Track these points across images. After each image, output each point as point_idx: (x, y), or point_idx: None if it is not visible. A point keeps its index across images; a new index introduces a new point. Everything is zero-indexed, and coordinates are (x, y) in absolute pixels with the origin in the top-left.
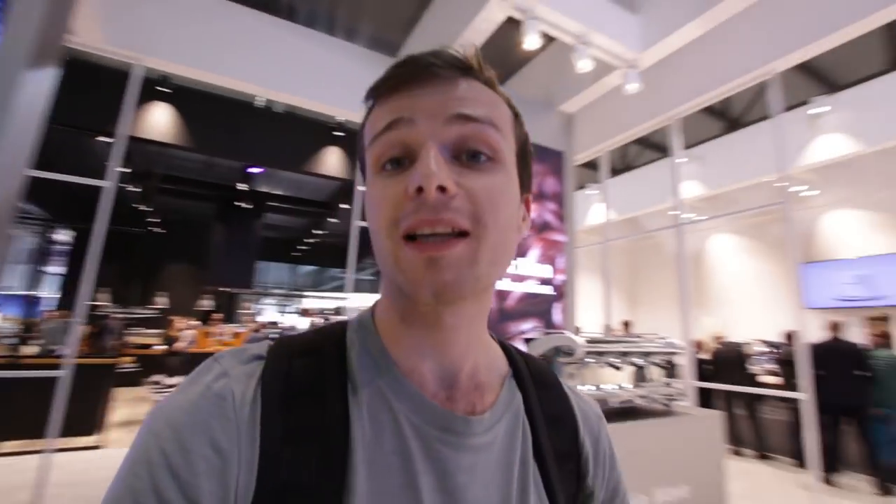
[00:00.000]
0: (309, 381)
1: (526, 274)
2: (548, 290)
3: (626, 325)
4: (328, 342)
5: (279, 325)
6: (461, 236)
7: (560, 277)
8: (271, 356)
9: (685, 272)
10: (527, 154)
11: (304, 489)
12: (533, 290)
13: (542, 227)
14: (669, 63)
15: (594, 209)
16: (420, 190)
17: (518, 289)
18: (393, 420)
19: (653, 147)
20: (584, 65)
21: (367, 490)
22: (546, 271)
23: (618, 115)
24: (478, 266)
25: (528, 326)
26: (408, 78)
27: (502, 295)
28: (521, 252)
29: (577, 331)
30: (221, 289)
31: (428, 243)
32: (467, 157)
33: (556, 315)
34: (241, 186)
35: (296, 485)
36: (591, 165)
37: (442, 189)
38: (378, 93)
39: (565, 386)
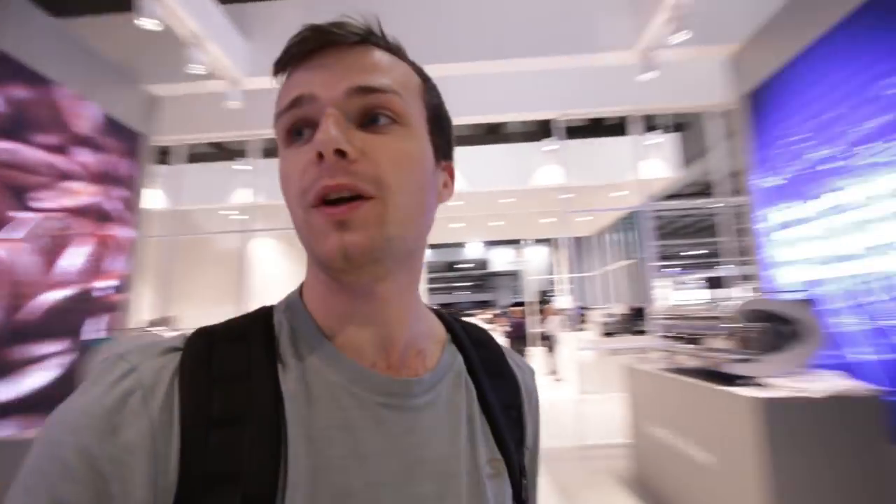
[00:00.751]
0: (234, 366)
1: (61, 278)
2: (101, 293)
3: (167, 320)
4: (253, 326)
5: None
6: (366, 199)
7: (111, 283)
8: (189, 346)
9: (242, 273)
10: (441, 119)
11: (235, 474)
12: (67, 296)
13: (100, 217)
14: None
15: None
16: (321, 156)
17: (47, 298)
18: (331, 394)
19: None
20: (194, 68)
21: (309, 466)
22: (99, 272)
23: (208, 114)
24: (387, 227)
25: (52, 349)
26: (308, 50)
27: (14, 305)
28: (63, 248)
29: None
30: None
31: (334, 208)
32: (370, 121)
33: (94, 327)
34: None
35: (225, 471)
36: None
37: (342, 153)
38: (280, 67)
39: (501, 346)
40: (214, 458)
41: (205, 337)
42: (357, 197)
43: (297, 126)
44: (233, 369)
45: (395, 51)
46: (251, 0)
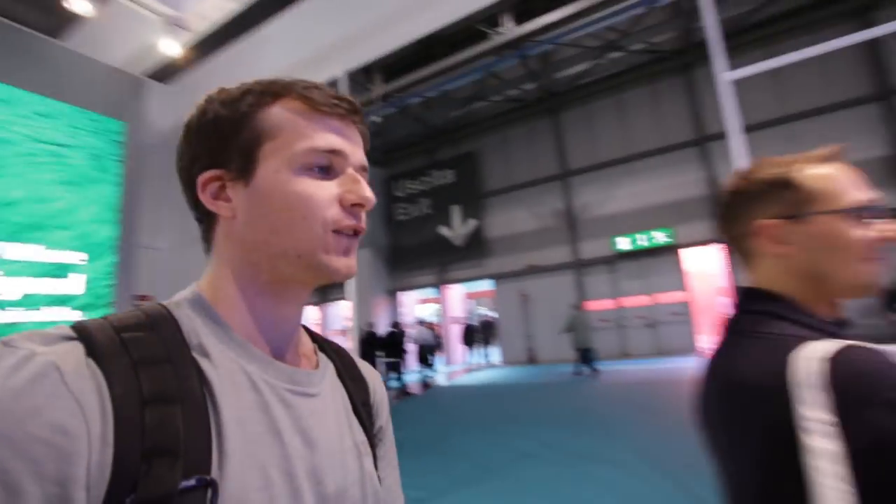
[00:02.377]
0: (152, 351)
1: None
2: None
3: None
4: (156, 319)
5: None
6: (357, 236)
7: None
8: (87, 333)
9: None
10: None
11: (174, 448)
12: None
13: None
14: None
15: None
16: (357, 205)
17: None
18: (248, 379)
19: None
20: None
21: (237, 439)
22: None
23: None
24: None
25: None
26: (340, 112)
27: None
28: None
29: None
30: None
31: (345, 237)
32: None
33: None
34: None
35: (165, 445)
36: None
37: (368, 209)
38: (310, 104)
39: (354, 356)
40: (153, 434)
41: (105, 327)
42: (356, 234)
43: (323, 165)
44: (152, 354)
45: (366, 133)
46: None
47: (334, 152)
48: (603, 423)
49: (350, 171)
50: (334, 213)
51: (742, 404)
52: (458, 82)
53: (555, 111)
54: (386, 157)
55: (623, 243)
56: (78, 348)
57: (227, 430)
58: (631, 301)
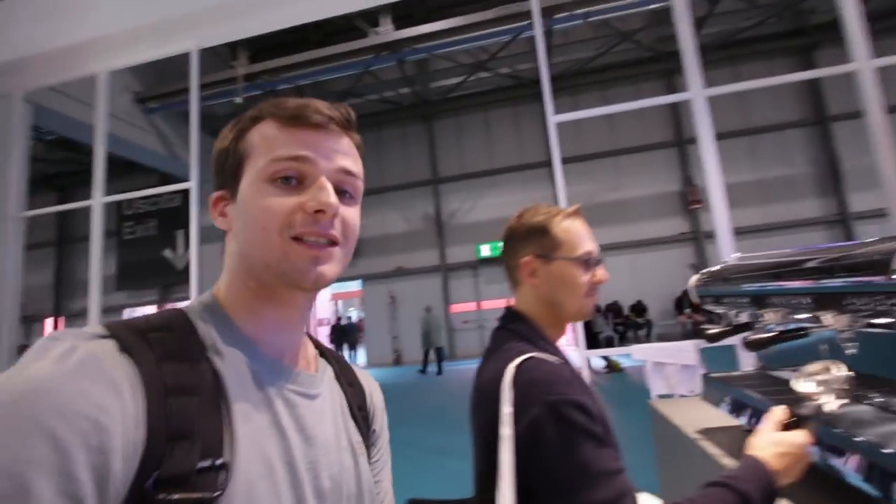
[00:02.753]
0: (171, 348)
1: None
2: None
3: None
4: (174, 322)
5: None
6: (334, 245)
7: None
8: (119, 333)
9: None
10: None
11: (192, 433)
12: None
13: None
14: None
15: None
16: (319, 212)
17: None
18: (254, 377)
19: None
20: None
21: (246, 430)
22: None
23: None
24: (340, 266)
25: None
26: (311, 122)
27: None
28: None
29: None
30: None
31: (314, 245)
32: (340, 191)
33: None
34: None
35: (183, 432)
36: None
37: (333, 215)
38: (280, 120)
39: (352, 363)
40: (175, 420)
41: (129, 327)
42: (331, 243)
43: (287, 174)
44: (172, 351)
45: (360, 145)
46: None
47: (298, 159)
48: (459, 419)
49: (321, 179)
50: (294, 220)
51: (478, 404)
52: (333, 74)
53: (429, 118)
54: None
55: (485, 250)
56: (111, 344)
57: (236, 422)
58: (491, 304)
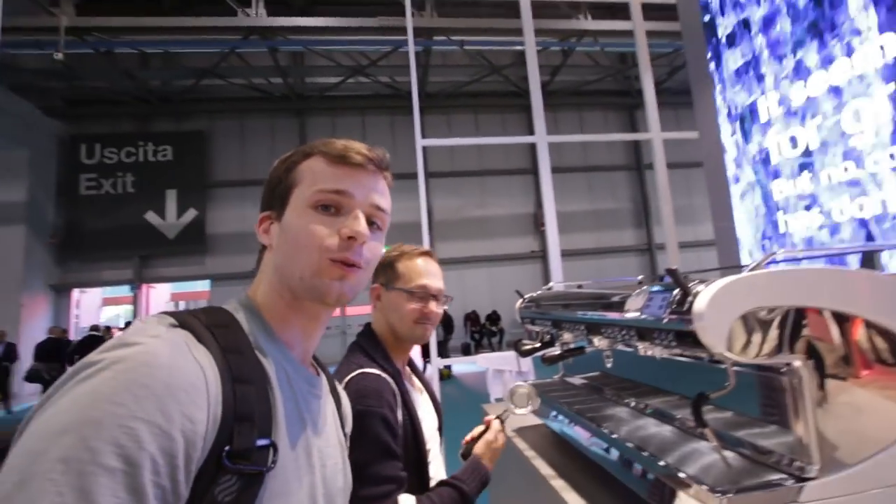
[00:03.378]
0: (230, 343)
1: None
2: None
3: None
4: (228, 320)
5: None
6: (358, 268)
7: None
8: (189, 326)
9: None
10: None
11: (251, 415)
12: None
13: None
14: None
15: None
16: (352, 238)
17: None
18: (285, 374)
19: None
20: None
21: (284, 416)
22: None
23: None
24: (359, 288)
25: None
26: (352, 162)
27: None
28: None
29: None
30: None
31: (342, 265)
32: (370, 222)
33: None
34: None
35: (247, 414)
36: None
37: (362, 243)
38: (328, 157)
39: (330, 374)
40: (241, 402)
41: (195, 321)
42: (356, 266)
43: (327, 203)
44: (233, 345)
45: (391, 183)
46: None
47: (339, 192)
48: None
49: (356, 211)
50: (331, 243)
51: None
52: (191, 48)
53: (302, 114)
54: (72, 108)
55: None
56: (188, 334)
57: (278, 410)
58: (355, 310)
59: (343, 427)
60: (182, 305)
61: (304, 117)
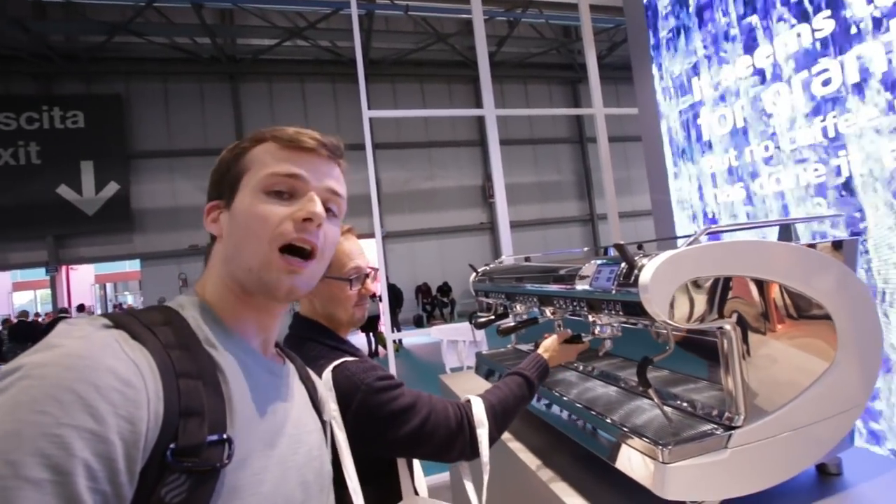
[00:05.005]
0: (173, 339)
1: None
2: None
3: None
4: (170, 316)
5: None
6: (311, 258)
7: None
8: (126, 324)
9: None
10: None
11: (200, 411)
12: None
13: None
14: None
15: None
16: (309, 220)
17: None
18: (243, 365)
19: None
20: None
21: (242, 409)
22: None
23: None
24: (312, 281)
25: None
26: (307, 147)
27: None
28: None
29: None
30: None
31: (291, 260)
32: (325, 209)
33: None
34: None
35: (194, 409)
36: None
37: (319, 225)
38: (280, 142)
39: (300, 361)
40: (186, 397)
41: (132, 321)
42: (310, 254)
43: (279, 188)
44: (174, 341)
45: (345, 169)
46: None
47: (292, 176)
48: None
49: (311, 193)
50: (285, 228)
51: None
52: None
53: (235, 78)
54: None
55: None
56: (122, 333)
57: (234, 403)
58: None
59: (320, 414)
60: (109, 288)
61: (237, 82)
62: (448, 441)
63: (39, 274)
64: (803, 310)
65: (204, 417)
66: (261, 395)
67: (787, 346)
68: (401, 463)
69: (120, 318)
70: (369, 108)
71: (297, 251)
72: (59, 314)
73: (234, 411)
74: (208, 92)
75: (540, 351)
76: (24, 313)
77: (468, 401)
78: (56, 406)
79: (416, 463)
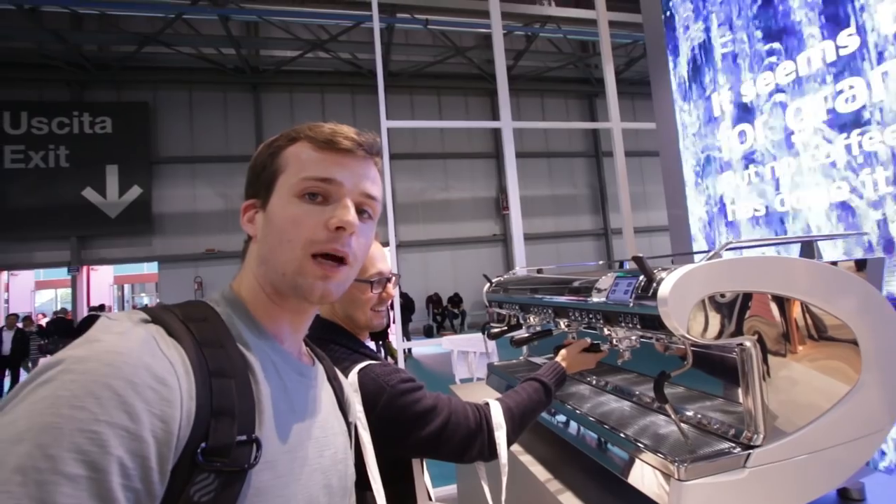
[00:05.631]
0: (208, 336)
1: None
2: None
3: None
4: (207, 313)
5: None
6: (343, 263)
7: None
8: (164, 319)
9: None
10: None
11: (231, 410)
12: None
13: None
14: None
15: None
16: (340, 228)
17: None
18: (273, 366)
19: None
20: None
21: (271, 410)
22: None
23: None
24: (346, 284)
25: None
26: (341, 147)
27: None
28: None
29: None
30: None
31: (325, 264)
32: (359, 211)
33: None
34: None
35: (225, 409)
36: None
37: (351, 233)
38: (315, 143)
39: (328, 362)
40: (218, 397)
41: (169, 316)
42: (342, 261)
43: (314, 192)
44: (210, 339)
45: (381, 170)
46: None
47: (326, 180)
48: None
49: (345, 199)
50: (318, 235)
51: None
52: (128, 11)
53: (257, 88)
54: None
55: None
56: (159, 328)
57: (263, 404)
58: None
59: (346, 415)
60: (127, 289)
61: (259, 92)
62: (467, 442)
63: (61, 273)
64: (826, 329)
65: (234, 417)
66: (289, 397)
67: (810, 362)
68: (416, 466)
69: (158, 314)
70: (387, 118)
71: (330, 255)
72: (95, 310)
73: (263, 412)
74: (231, 101)
75: (558, 359)
76: (64, 311)
77: (486, 403)
78: (94, 402)
79: (426, 470)
